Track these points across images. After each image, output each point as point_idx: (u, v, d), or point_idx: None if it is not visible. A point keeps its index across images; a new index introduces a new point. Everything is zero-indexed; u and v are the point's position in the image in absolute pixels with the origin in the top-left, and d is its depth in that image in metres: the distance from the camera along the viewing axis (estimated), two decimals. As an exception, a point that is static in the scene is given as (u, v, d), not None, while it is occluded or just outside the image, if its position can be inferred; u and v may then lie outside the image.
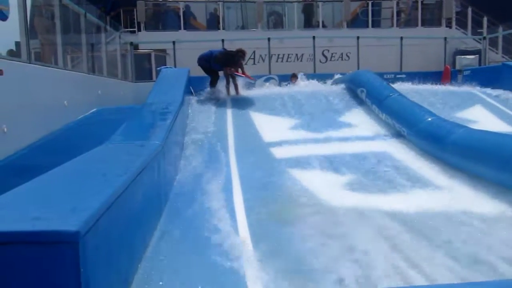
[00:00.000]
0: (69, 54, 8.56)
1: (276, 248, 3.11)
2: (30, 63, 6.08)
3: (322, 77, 11.21)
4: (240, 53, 8.60)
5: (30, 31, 6.29)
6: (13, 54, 6.29)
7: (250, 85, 9.46)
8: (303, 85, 10.43)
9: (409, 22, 17.49)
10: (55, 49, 7.69)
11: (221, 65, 8.53)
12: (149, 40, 14.94)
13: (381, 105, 7.37)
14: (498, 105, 8.68)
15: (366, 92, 8.12)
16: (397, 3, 17.11)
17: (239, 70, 8.80)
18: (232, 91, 8.93)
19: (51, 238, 1.67)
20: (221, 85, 8.95)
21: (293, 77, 11.53)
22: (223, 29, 16.21)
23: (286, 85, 10.67)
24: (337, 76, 10.70)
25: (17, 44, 6.39)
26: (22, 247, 1.66)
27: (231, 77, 8.81)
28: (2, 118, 5.08)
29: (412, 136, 6.17)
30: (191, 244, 3.18)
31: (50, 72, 6.85)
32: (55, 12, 7.71)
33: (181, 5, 16.25)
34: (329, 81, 10.73)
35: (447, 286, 2.31)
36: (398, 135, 6.52)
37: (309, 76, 11.66)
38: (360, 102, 8.22)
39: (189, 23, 16.52)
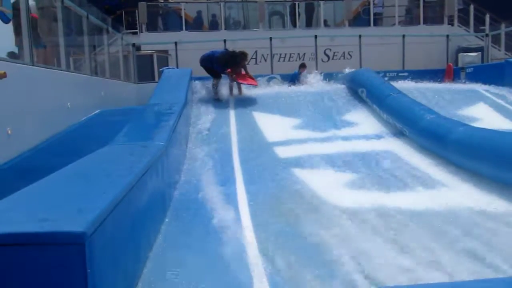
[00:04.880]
0: (71, 56, 8.58)
1: (282, 247, 3.12)
2: (33, 65, 6.10)
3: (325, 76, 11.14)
4: (242, 55, 8.58)
5: (32, 33, 6.30)
6: (15, 56, 6.30)
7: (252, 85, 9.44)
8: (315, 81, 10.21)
9: (411, 20, 17.46)
10: (58, 51, 7.70)
11: (223, 66, 8.48)
12: (151, 41, 14.95)
13: (382, 105, 7.35)
14: (501, 102, 8.65)
15: (366, 92, 8.11)
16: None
17: (242, 70, 8.78)
18: (235, 91, 8.93)
19: (58, 239, 1.68)
20: (224, 85, 8.95)
21: (302, 68, 11.37)
22: (225, 29, 16.21)
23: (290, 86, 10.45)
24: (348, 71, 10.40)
25: (19, 46, 6.40)
26: (29, 248, 1.68)
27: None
28: (6, 121, 5.10)
29: (413, 135, 6.16)
30: (195, 245, 3.18)
31: (53, 74, 6.87)
32: (58, 14, 7.72)
33: (182, 6, 16.28)
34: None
35: (451, 285, 2.31)
36: (400, 134, 6.51)
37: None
38: (362, 101, 8.21)
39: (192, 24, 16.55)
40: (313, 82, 10.25)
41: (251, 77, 8.91)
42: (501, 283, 1.89)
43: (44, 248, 1.68)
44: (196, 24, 16.61)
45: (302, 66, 11.51)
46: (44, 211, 1.92)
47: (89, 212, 1.86)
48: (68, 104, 7.08)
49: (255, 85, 8.97)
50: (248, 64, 9.25)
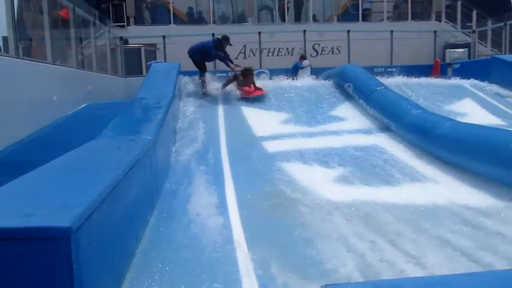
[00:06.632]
0: (58, 49, 8.45)
1: (271, 247, 3.12)
2: (18, 58, 6.00)
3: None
4: (249, 70, 8.63)
5: (17, 25, 6.20)
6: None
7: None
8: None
9: (399, 16, 17.56)
10: (44, 43, 7.59)
11: (222, 49, 8.64)
12: (138, 34, 14.82)
13: (368, 100, 7.39)
14: (487, 98, 8.77)
15: (352, 87, 8.14)
16: None
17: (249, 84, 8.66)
18: (229, 87, 8.85)
19: (43, 234, 1.67)
20: (210, 78, 8.90)
21: (302, 59, 11.45)
22: (214, 23, 16.12)
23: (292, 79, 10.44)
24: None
25: (5, 39, 6.30)
26: (14, 243, 1.66)
27: (234, 78, 8.74)
28: (-10, 114, 5.02)
29: (400, 129, 6.21)
30: (183, 240, 3.17)
31: (38, 67, 6.77)
32: (43, 6, 7.60)
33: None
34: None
35: (440, 277, 2.34)
36: (386, 129, 6.56)
37: None
38: (349, 96, 8.25)
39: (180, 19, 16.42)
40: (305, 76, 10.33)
41: (258, 89, 8.61)
42: (488, 276, 1.92)
43: (30, 243, 1.66)
44: (191, 21, 16.49)
45: (302, 57, 11.65)
46: (30, 206, 1.90)
47: (75, 207, 1.85)
48: (54, 97, 6.99)
49: (264, 94, 8.70)
50: (236, 58, 9.24)
